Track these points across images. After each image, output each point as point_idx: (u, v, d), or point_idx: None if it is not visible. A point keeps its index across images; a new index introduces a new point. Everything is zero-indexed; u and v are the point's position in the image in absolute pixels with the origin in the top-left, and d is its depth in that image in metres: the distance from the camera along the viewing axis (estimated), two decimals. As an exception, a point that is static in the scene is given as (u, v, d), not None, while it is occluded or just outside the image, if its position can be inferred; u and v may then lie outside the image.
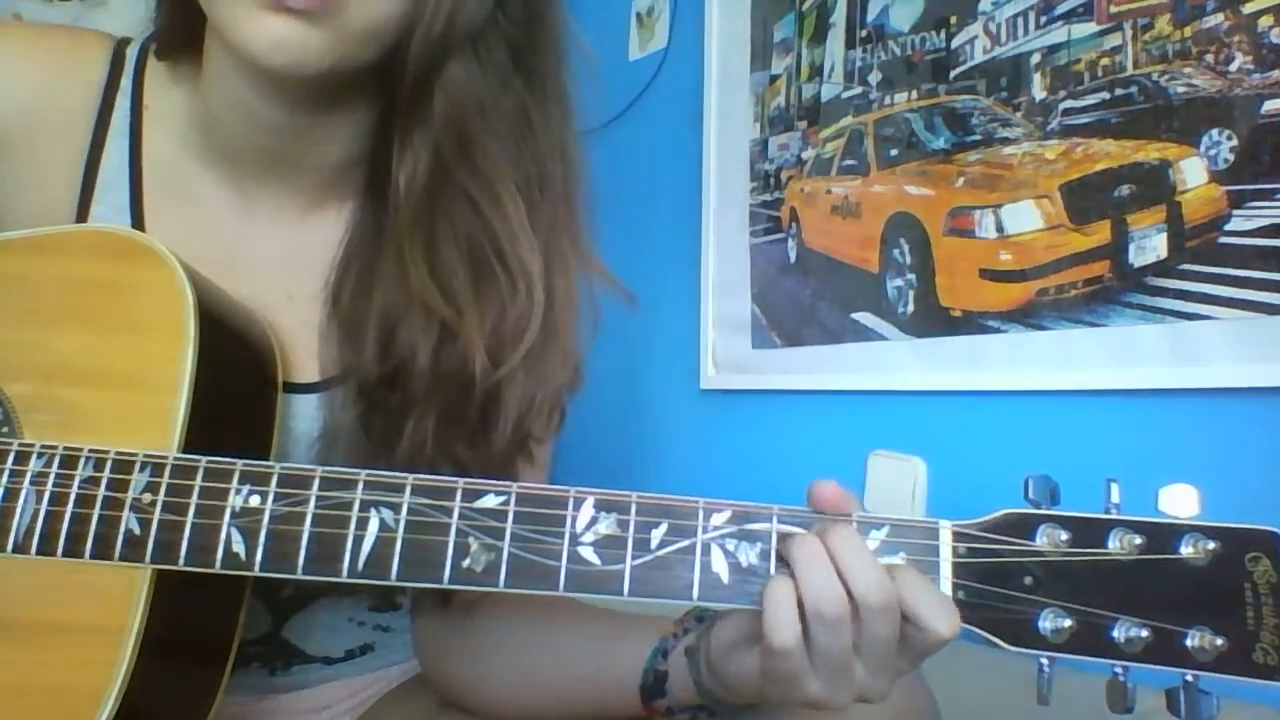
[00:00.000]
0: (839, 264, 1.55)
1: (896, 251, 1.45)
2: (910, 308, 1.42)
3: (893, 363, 1.44)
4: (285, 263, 0.74)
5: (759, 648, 0.52)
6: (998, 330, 1.30)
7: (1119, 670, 0.51)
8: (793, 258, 1.64)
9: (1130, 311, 1.16)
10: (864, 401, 1.49)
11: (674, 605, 0.54)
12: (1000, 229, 1.30)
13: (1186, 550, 0.51)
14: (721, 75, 1.79)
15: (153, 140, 0.74)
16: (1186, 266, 1.11)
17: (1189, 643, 0.50)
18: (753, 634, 0.53)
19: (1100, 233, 1.19)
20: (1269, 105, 1.04)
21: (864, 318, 1.50)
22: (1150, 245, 1.14)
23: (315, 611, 0.81)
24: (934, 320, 1.38)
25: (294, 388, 0.72)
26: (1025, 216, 1.27)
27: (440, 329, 0.67)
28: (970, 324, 1.33)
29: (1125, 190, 1.17)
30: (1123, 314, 1.17)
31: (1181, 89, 1.12)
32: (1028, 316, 1.26)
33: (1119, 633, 0.50)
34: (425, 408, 0.67)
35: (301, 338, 0.73)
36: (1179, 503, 0.51)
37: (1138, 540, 0.51)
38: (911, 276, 1.42)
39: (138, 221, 0.73)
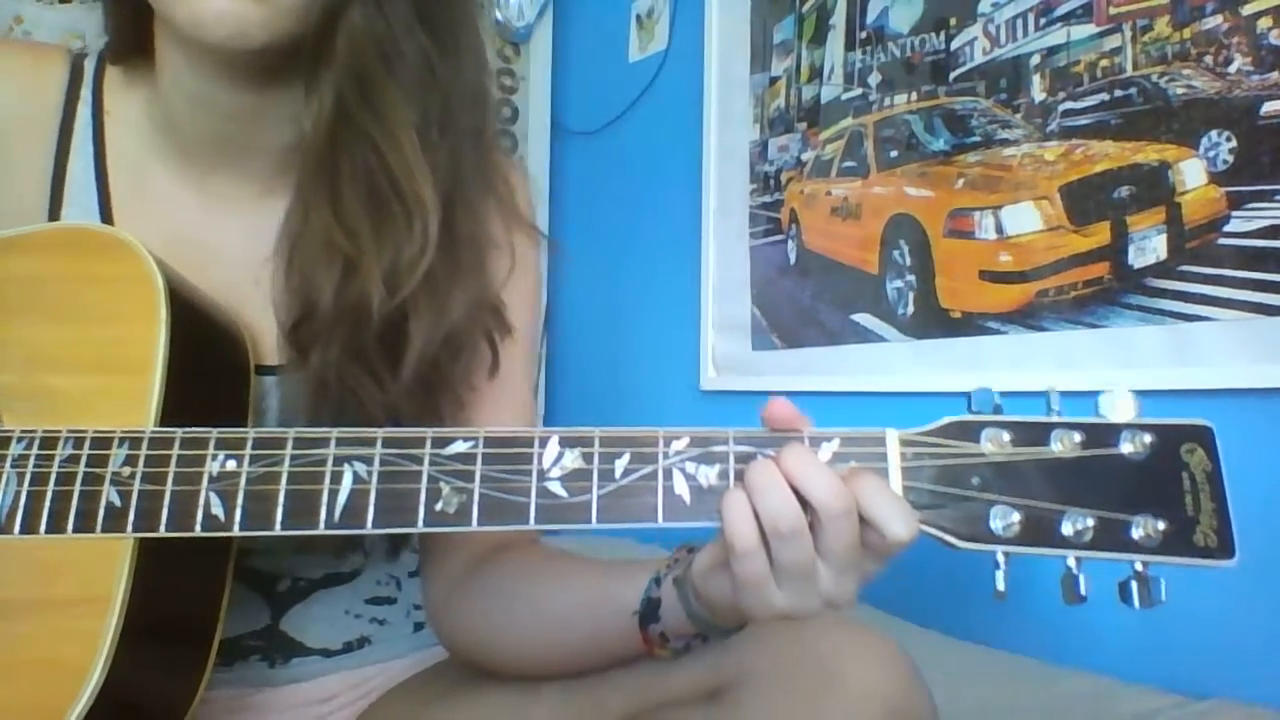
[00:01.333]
0: (839, 265, 1.55)
1: (896, 253, 1.45)
2: (910, 309, 1.42)
3: (892, 364, 1.44)
4: (248, 251, 0.76)
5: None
6: (998, 331, 1.30)
7: (1071, 564, 0.53)
8: (792, 259, 1.64)
9: (1130, 313, 1.16)
10: (864, 403, 1.49)
11: (641, 529, 0.56)
12: (1000, 230, 1.30)
13: (1126, 446, 0.53)
14: (721, 77, 1.80)
15: (115, 144, 0.78)
16: (1186, 268, 1.11)
17: (1134, 532, 0.52)
18: (726, 555, 0.55)
19: (1100, 234, 1.19)
20: (1268, 107, 1.04)
21: (864, 319, 1.50)
22: (1150, 246, 1.14)
23: (312, 604, 0.83)
24: (934, 321, 1.39)
25: (265, 370, 0.75)
26: (1025, 218, 1.27)
27: (342, 264, 0.70)
28: (970, 325, 1.33)
29: (1125, 191, 1.17)
30: (1122, 315, 1.17)
31: (1181, 90, 1.12)
32: (1027, 318, 1.26)
33: (1067, 525, 0.53)
34: (328, 341, 0.70)
35: (270, 322, 0.75)
36: (1117, 408, 0.54)
37: (1078, 438, 0.54)
38: (911, 278, 1.42)
39: (107, 222, 0.76)
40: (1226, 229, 1.07)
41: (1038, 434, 0.54)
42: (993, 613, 1.26)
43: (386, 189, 0.71)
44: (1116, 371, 1.14)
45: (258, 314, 0.75)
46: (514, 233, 0.83)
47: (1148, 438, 0.53)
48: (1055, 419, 0.55)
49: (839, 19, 1.59)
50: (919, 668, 0.64)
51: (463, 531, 0.56)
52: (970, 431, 0.55)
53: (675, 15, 1.95)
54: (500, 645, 0.75)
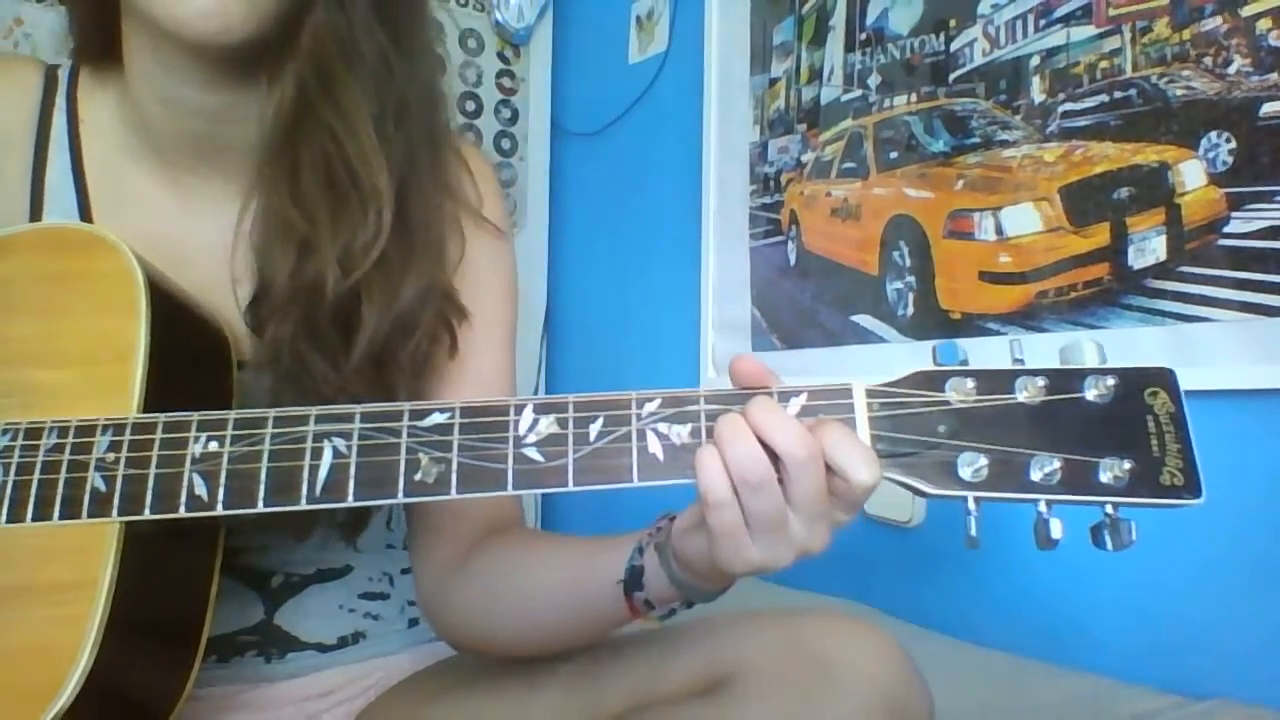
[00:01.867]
0: (839, 266, 1.55)
1: (896, 254, 1.45)
2: (910, 310, 1.42)
3: (892, 365, 1.43)
4: (224, 250, 0.78)
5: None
6: (997, 332, 1.30)
7: (1041, 509, 0.53)
8: (792, 260, 1.64)
9: (1130, 314, 1.16)
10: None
11: (617, 490, 0.57)
12: (1000, 231, 1.30)
13: (1090, 392, 0.54)
14: (721, 78, 1.80)
15: (92, 150, 0.79)
16: (1186, 269, 1.11)
17: (1101, 475, 0.52)
18: (703, 513, 0.57)
19: (1100, 235, 1.19)
20: (1268, 108, 1.04)
21: (864, 320, 1.50)
22: (1149, 247, 1.15)
23: (305, 599, 0.84)
24: (934, 323, 1.39)
25: (245, 365, 0.76)
26: (1025, 219, 1.27)
27: (298, 245, 0.73)
28: (970, 326, 1.33)
29: (1124, 192, 1.17)
30: (1122, 316, 1.17)
31: (1180, 91, 1.12)
32: (1027, 319, 1.26)
33: (1035, 470, 0.53)
34: (283, 319, 0.73)
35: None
36: (1079, 357, 0.55)
37: (1042, 383, 0.55)
38: (911, 279, 1.42)
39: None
40: (1226, 230, 1.07)
41: (1002, 382, 0.56)
42: (993, 613, 1.26)
43: (344, 177, 0.74)
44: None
45: (234, 311, 0.76)
46: (475, 224, 0.85)
47: (1110, 381, 0.54)
48: (1018, 367, 0.56)
49: (839, 20, 1.59)
50: (913, 659, 0.64)
51: (444, 501, 0.58)
52: (935, 381, 0.56)
53: (675, 17, 1.95)
54: (494, 629, 0.76)
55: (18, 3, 1.75)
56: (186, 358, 0.69)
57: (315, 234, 0.73)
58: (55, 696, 0.56)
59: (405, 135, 0.77)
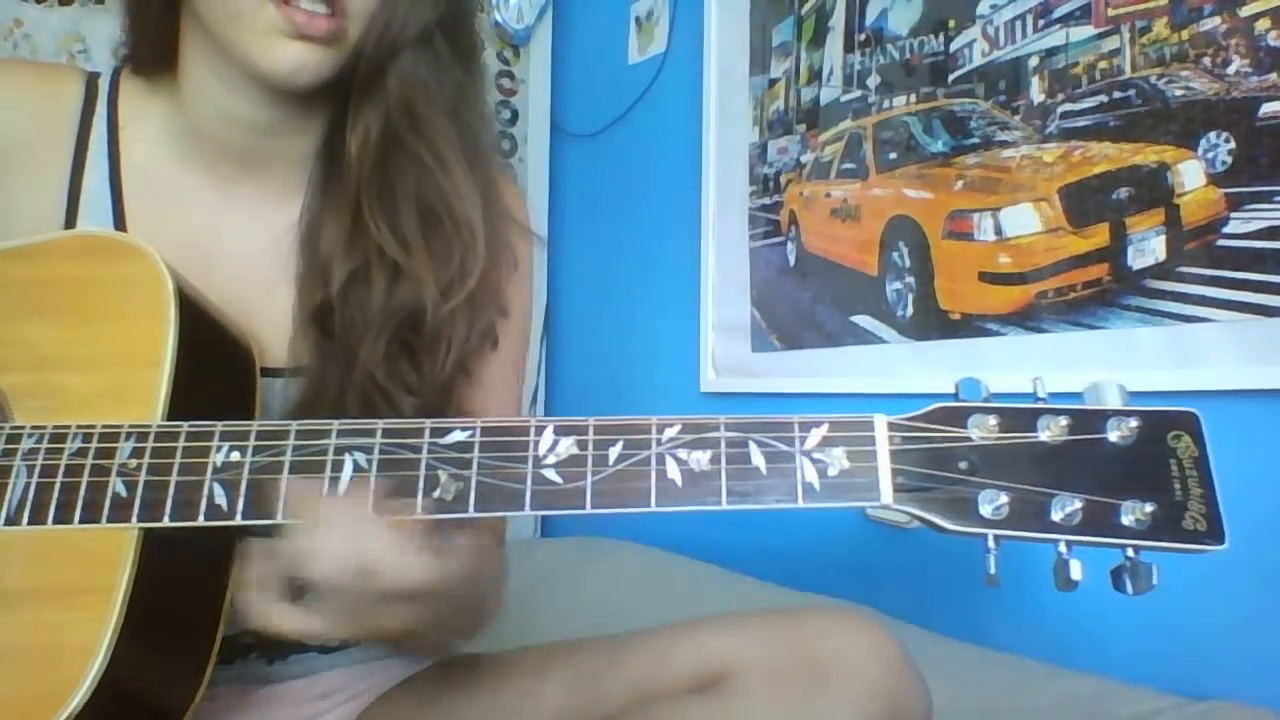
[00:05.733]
0: (838, 267, 1.55)
1: (895, 254, 1.45)
2: (909, 311, 1.43)
3: (892, 365, 1.44)
4: (263, 257, 0.79)
5: None
6: (997, 333, 1.30)
7: (1061, 549, 0.53)
8: (792, 261, 1.64)
9: (1129, 314, 1.16)
10: (863, 404, 1.49)
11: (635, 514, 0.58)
12: (999, 232, 1.30)
13: (1112, 433, 0.54)
14: (720, 79, 1.80)
15: (131, 158, 0.80)
16: (1185, 269, 1.11)
17: (1123, 517, 0.52)
18: None
19: (1099, 235, 1.19)
20: (1266, 108, 1.04)
21: (863, 320, 1.50)
22: (1149, 248, 1.15)
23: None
24: (933, 323, 1.39)
25: (268, 372, 0.76)
26: (1024, 219, 1.27)
27: (393, 270, 0.76)
28: (969, 327, 1.33)
29: (1124, 193, 1.17)
30: (1121, 316, 1.17)
31: (1179, 92, 1.13)
32: (1027, 319, 1.26)
33: (1056, 510, 0.53)
34: (379, 335, 0.75)
35: (281, 327, 0.78)
36: (1103, 397, 0.55)
37: (1065, 423, 0.54)
38: (911, 279, 1.42)
39: (121, 231, 0.78)
40: (1225, 230, 1.08)
41: (1025, 420, 0.55)
42: (993, 613, 1.26)
43: (438, 208, 0.77)
44: (1116, 372, 1.14)
45: (271, 318, 0.77)
46: (517, 237, 0.87)
47: (1134, 423, 0.54)
48: (1042, 405, 0.55)
49: (838, 21, 1.59)
50: (911, 655, 0.64)
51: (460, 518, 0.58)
52: (958, 417, 0.56)
53: (675, 17, 1.95)
54: None
55: (18, 4, 1.75)
56: (212, 366, 0.69)
57: (411, 262, 0.75)
58: (69, 698, 0.57)
59: (482, 164, 0.80)
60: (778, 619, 0.67)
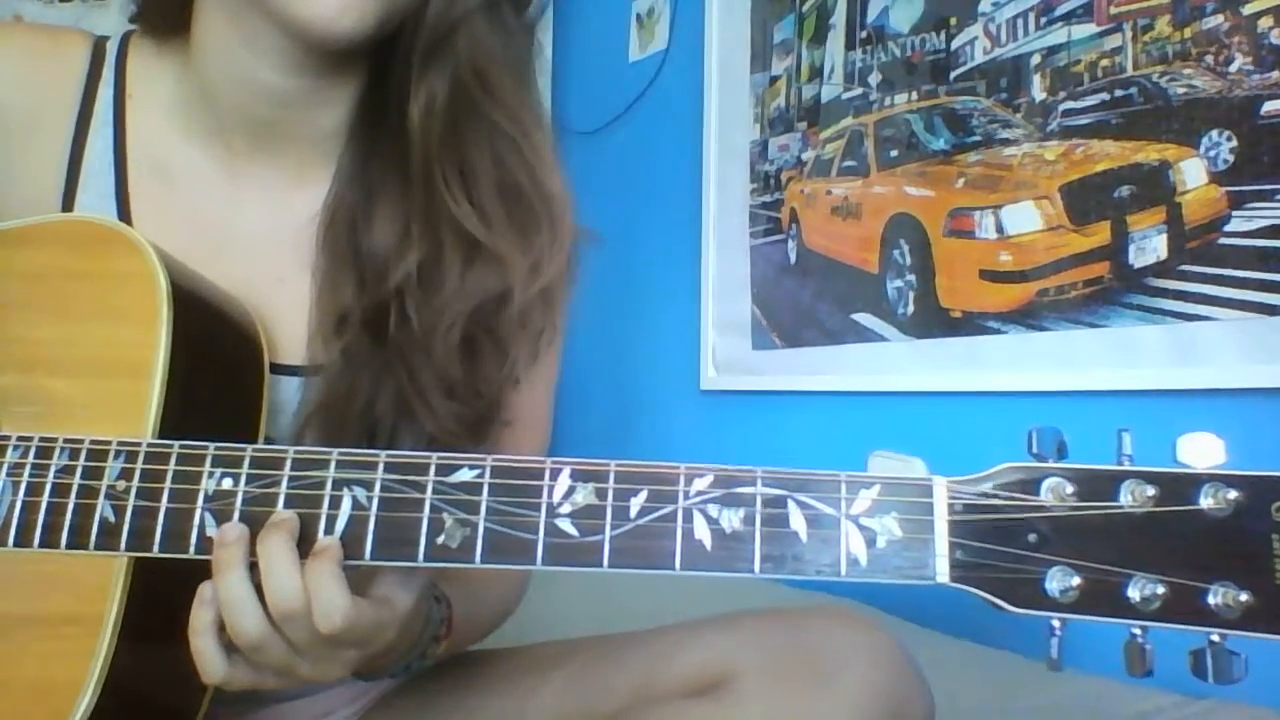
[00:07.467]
0: (839, 265, 1.55)
1: (896, 252, 1.45)
2: (910, 308, 1.42)
3: (893, 364, 1.44)
4: (274, 243, 0.75)
5: None
6: (998, 331, 1.30)
7: (1137, 631, 0.48)
8: (793, 259, 1.64)
9: (1130, 312, 1.16)
10: (864, 402, 1.49)
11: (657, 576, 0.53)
12: (1000, 230, 1.30)
13: (1206, 501, 0.47)
14: (721, 76, 1.79)
15: (137, 127, 0.75)
16: (1186, 267, 1.11)
17: (1211, 600, 0.46)
18: None
19: (1100, 234, 1.19)
20: (1268, 106, 1.04)
21: (864, 318, 1.50)
22: (1150, 246, 1.14)
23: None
24: (934, 321, 1.38)
25: (282, 369, 0.72)
26: (1025, 217, 1.27)
27: (470, 251, 0.69)
28: (970, 325, 1.33)
29: (1125, 191, 1.17)
30: (1122, 315, 1.17)
31: (1181, 90, 1.12)
32: (1028, 317, 1.26)
33: (1133, 591, 0.47)
34: (451, 327, 0.69)
35: (290, 320, 0.73)
36: (1200, 452, 0.48)
37: (1151, 492, 0.47)
38: (911, 277, 1.42)
39: (123, 207, 0.73)
40: (1227, 228, 1.07)
41: (1105, 486, 0.48)
42: (993, 613, 1.26)
43: (522, 179, 0.71)
44: (1117, 371, 1.14)
45: (280, 311, 0.73)
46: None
47: (1233, 493, 0.47)
48: (1127, 468, 0.48)
49: (839, 18, 1.59)
50: (911, 655, 0.64)
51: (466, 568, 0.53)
52: (1030, 483, 0.49)
53: (675, 15, 1.95)
54: None
55: (18, 0, 1.75)
56: (212, 369, 0.65)
57: (495, 238, 0.69)
58: None
59: (547, 135, 0.75)
60: (779, 621, 0.66)
